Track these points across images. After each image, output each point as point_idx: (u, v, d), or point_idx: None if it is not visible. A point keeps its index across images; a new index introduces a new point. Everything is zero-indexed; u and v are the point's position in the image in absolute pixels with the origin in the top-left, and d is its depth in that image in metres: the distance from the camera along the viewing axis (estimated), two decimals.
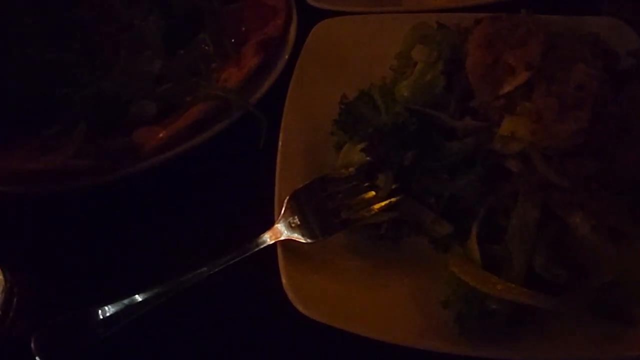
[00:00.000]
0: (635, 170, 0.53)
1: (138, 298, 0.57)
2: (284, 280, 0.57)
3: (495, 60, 0.58)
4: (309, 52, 0.82)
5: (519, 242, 0.54)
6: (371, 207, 0.60)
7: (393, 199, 0.61)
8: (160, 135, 0.72)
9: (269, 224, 0.61)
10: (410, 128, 0.60)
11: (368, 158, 0.61)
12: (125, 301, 0.57)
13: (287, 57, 0.85)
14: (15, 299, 0.58)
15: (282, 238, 0.60)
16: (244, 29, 0.89)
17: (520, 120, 0.56)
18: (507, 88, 0.57)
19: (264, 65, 0.82)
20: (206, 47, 0.84)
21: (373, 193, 0.61)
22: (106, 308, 0.57)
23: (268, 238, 0.60)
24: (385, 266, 0.61)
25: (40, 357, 0.54)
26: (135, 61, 0.82)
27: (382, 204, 0.61)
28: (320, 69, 0.80)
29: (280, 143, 0.70)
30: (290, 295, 0.56)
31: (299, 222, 0.60)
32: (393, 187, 0.61)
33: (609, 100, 0.53)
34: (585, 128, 0.52)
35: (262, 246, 0.60)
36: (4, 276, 0.58)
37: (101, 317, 0.57)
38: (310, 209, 0.61)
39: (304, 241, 0.60)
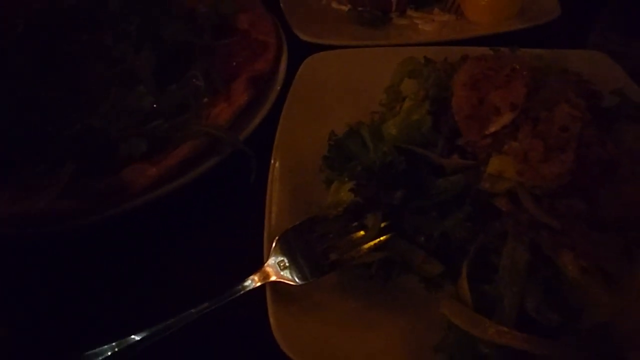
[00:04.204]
0: (624, 210, 0.53)
1: (123, 342, 0.55)
2: (272, 323, 0.56)
3: (481, 100, 0.58)
4: (299, 87, 0.82)
5: (510, 283, 0.53)
6: (360, 248, 0.59)
7: (382, 238, 0.60)
8: (150, 173, 0.71)
9: (258, 264, 0.60)
10: (399, 167, 0.60)
11: (357, 198, 0.61)
12: (111, 346, 0.55)
13: (278, 89, 0.85)
14: None
15: (271, 280, 0.59)
16: (234, 63, 0.89)
17: (507, 159, 0.56)
18: (493, 128, 0.57)
19: (254, 101, 0.81)
20: (197, 83, 0.84)
21: (362, 233, 0.61)
22: (91, 353, 0.55)
23: (257, 280, 0.59)
24: (376, 307, 0.59)
25: None
26: (125, 97, 0.81)
27: (371, 243, 0.60)
28: (310, 103, 0.80)
29: (269, 181, 0.69)
30: (279, 339, 0.55)
31: (288, 264, 0.59)
32: (382, 225, 0.60)
33: (593, 141, 0.53)
34: (570, 170, 0.52)
35: (250, 288, 0.58)
36: None
37: None
38: (299, 251, 0.60)
39: (293, 283, 0.58)
